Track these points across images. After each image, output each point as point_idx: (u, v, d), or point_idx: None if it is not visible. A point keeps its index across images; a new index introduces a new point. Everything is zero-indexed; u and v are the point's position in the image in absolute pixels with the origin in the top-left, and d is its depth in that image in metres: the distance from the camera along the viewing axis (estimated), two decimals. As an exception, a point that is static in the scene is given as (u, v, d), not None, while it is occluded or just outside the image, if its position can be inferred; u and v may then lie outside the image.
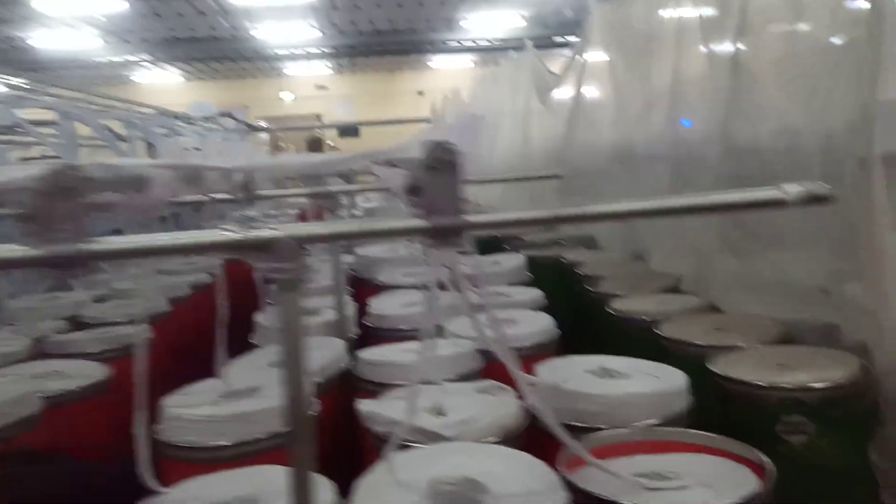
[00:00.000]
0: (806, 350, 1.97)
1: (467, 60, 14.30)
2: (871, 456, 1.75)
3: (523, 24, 10.43)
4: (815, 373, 1.75)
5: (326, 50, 11.12)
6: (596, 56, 3.96)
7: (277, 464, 1.40)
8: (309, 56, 12.23)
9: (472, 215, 0.94)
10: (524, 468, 1.25)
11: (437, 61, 15.08)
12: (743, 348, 1.99)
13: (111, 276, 3.54)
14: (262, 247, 0.86)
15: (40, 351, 2.45)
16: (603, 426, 1.53)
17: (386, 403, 1.68)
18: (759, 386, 1.73)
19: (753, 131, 2.39)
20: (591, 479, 1.34)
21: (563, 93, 4.73)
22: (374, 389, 1.88)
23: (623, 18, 3.65)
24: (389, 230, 1.05)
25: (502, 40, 10.43)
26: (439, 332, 2.26)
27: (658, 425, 1.53)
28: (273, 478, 1.29)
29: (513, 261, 3.29)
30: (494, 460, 1.29)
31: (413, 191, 0.92)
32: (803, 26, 2.15)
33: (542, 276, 3.46)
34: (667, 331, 2.19)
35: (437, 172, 0.92)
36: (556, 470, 1.34)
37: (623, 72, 3.68)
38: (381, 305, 2.59)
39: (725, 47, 2.52)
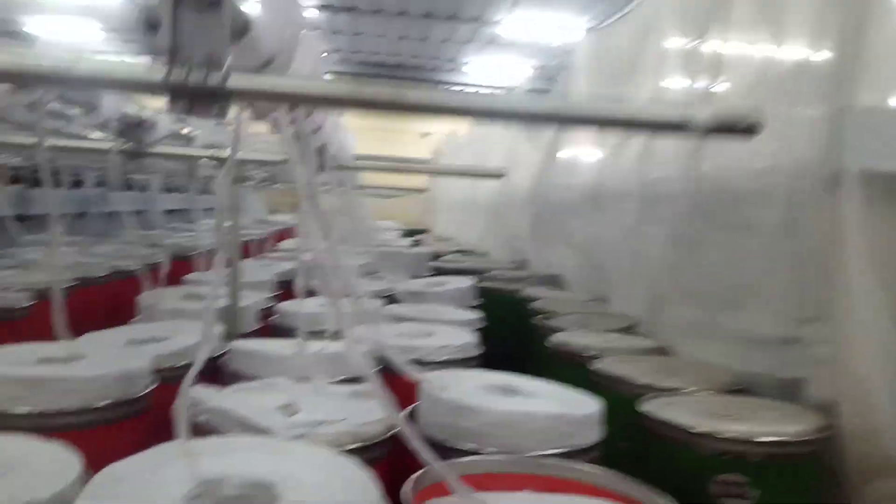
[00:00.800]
0: (759, 401, 1.65)
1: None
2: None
3: (530, 73, 10.32)
4: (764, 425, 1.43)
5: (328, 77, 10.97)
6: (578, 88, 3.74)
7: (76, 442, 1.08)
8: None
9: (240, 75, 0.64)
10: (346, 482, 0.92)
11: (443, 105, 15.00)
12: (684, 392, 1.68)
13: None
14: None
15: None
16: (486, 450, 1.20)
17: (224, 393, 1.36)
18: (693, 433, 1.41)
19: (723, 164, 2.14)
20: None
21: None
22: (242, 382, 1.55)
23: (607, 48, 3.45)
24: (112, 79, 0.71)
25: (509, 89, 10.26)
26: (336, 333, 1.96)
27: (555, 456, 1.20)
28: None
29: (461, 283, 2.99)
30: (314, 467, 0.96)
31: (151, 24, 0.61)
32: (776, 49, 1.91)
33: (496, 307, 3.19)
34: (601, 367, 1.88)
35: (191, 4, 0.62)
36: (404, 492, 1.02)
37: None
38: (294, 305, 2.28)
39: (700, 79, 2.29)
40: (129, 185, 5.31)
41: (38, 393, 1.25)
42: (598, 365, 1.88)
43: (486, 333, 2.52)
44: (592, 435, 1.28)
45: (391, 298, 2.78)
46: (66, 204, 5.02)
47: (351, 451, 1.16)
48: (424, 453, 1.00)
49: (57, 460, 0.94)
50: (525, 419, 1.22)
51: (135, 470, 0.89)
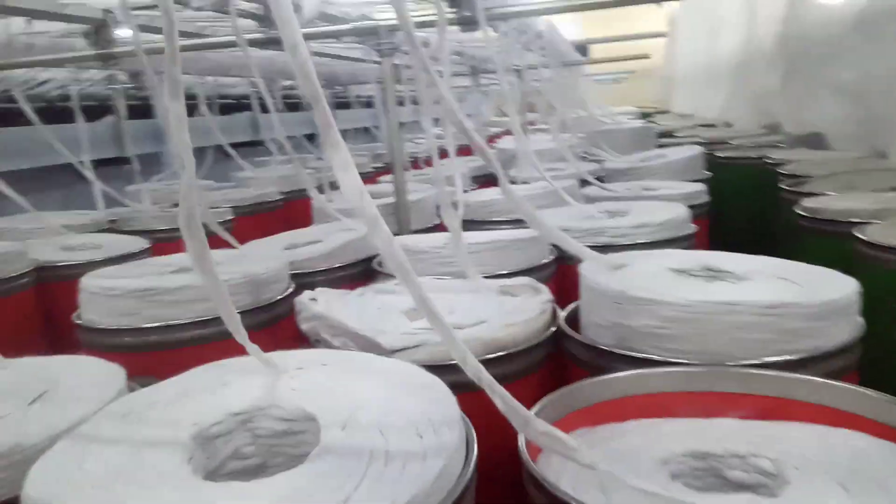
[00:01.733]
0: None
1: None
2: None
3: None
4: None
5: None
6: None
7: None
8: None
9: None
10: (419, 419, 0.63)
11: (678, -32, 13.36)
12: None
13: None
14: None
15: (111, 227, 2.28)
16: (669, 359, 0.84)
17: (350, 297, 1.14)
18: None
19: None
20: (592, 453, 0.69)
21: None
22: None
23: None
24: None
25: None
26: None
27: (777, 366, 0.80)
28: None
29: (684, 154, 2.48)
30: (388, 396, 0.68)
31: None
32: None
33: (734, 179, 2.67)
34: (871, 233, 1.35)
35: None
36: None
37: None
38: (472, 196, 2.01)
39: None
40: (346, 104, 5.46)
41: (152, 305, 1.14)
42: (866, 231, 1.36)
43: (718, 210, 2.05)
44: (841, 333, 0.84)
45: (600, 178, 2.41)
46: (294, 126, 5.27)
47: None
48: (499, 400, 0.63)
49: (99, 379, 0.78)
50: (728, 311, 0.82)
51: (155, 399, 0.69)
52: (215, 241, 1.57)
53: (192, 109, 3.62)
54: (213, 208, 2.46)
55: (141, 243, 1.87)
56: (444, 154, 1.53)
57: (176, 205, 2.27)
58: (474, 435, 0.64)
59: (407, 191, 1.81)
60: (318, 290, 1.12)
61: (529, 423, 0.56)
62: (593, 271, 0.99)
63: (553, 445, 0.56)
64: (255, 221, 2.46)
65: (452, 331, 0.58)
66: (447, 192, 1.24)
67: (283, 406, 0.67)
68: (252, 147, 4.44)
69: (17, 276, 1.55)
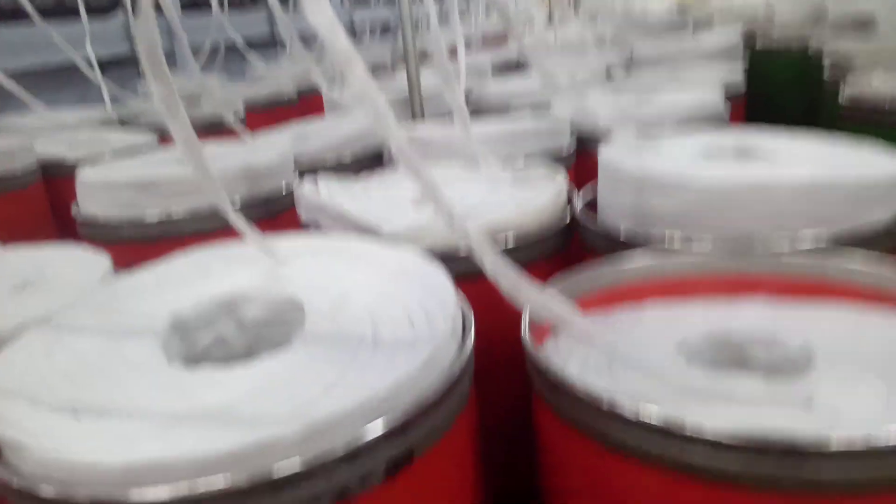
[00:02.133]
0: None
1: None
2: None
3: None
4: None
5: None
6: None
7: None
8: None
9: None
10: (420, 301, 0.58)
11: None
12: None
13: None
14: None
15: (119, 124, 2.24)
16: (688, 241, 0.77)
17: (357, 186, 1.08)
18: None
19: None
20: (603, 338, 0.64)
21: None
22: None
23: None
24: None
25: None
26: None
27: (807, 248, 0.73)
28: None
29: (717, 39, 2.33)
30: (389, 279, 0.63)
31: None
32: None
33: (773, 69, 2.51)
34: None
35: None
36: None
37: None
38: (496, 85, 1.91)
39: None
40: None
41: (151, 196, 1.09)
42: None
43: (759, 101, 1.93)
44: (882, 214, 0.77)
45: (629, 66, 2.28)
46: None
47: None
48: (489, 264, 0.54)
49: (83, 269, 0.75)
50: (758, 192, 0.75)
51: (134, 287, 0.65)
52: (226, 135, 1.53)
53: (203, 5, 3.47)
54: (224, 104, 2.39)
55: (147, 138, 1.82)
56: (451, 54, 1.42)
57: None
58: (472, 323, 0.59)
59: (420, 82, 1.71)
60: (321, 178, 1.07)
61: (521, 288, 0.50)
62: (614, 153, 0.91)
63: (552, 312, 0.51)
64: (269, 117, 2.38)
65: (441, 191, 0.51)
66: (453, 79, 1.15)
67: (270, 292, 0.63)
68: (270, 46, 4.29)
69: (23, 171, 1.52)
